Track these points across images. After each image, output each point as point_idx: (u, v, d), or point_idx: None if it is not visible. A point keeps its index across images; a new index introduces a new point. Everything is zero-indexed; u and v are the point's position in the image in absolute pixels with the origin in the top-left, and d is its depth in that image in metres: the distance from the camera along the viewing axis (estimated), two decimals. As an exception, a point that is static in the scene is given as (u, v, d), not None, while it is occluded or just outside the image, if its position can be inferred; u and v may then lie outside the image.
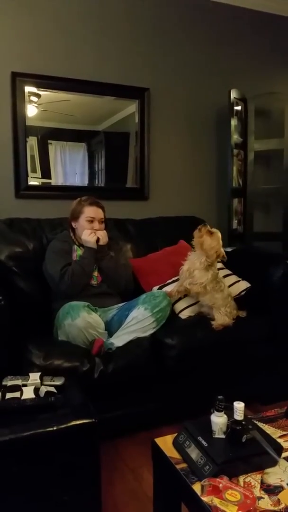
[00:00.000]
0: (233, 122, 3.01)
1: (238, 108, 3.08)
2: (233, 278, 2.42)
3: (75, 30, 2.70)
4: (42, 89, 2.65)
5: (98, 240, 2.20)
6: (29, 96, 2.62)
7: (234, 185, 3.08)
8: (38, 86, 2.63)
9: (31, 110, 2.65)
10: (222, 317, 2.12)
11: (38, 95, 2.66)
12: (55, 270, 2.11)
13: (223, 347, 2.09)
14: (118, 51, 2.84)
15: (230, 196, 3.07)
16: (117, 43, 2.83)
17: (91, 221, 2.23)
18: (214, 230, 2.17)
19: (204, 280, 2.12)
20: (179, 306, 2.25)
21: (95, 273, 2.22)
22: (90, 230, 2.20)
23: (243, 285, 2.38)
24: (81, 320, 1.87)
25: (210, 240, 2.12)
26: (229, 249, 2.68)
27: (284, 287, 2.24)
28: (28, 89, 2.60)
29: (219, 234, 2.16)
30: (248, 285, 2.37)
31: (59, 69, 2.66)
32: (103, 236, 2.23)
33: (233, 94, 2.98)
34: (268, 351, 2.21)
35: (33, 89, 2.63)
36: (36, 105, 2.67)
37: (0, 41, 2.53)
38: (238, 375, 2.16)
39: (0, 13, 2.52)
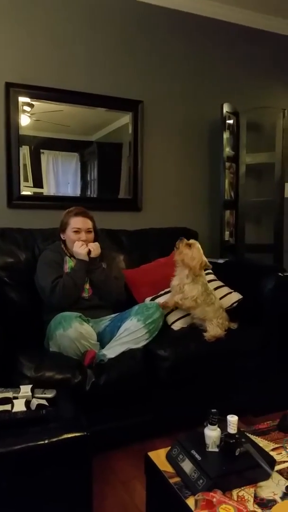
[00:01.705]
0: (225, 135, 3.05)
1: (230, 121, 3.12)
2: (225, 289, 2.43)
3: (69, 41, 2.73)
4: (35, 99, 2.66)
5: (89, 252, 2.19)
6: (22, 106, 2.63)
7: (226, 197, 3.11)
8: (32, 96, 2.64)
9: (24, 120, 2.66)
10: (214, 328, 2.13)
11: (31, 105, 2.67)
12: (46, 282, 2.09)
13: (216, 359, 2.09)
14: (112, 63, 2.87)
15: (222, 208, 3.09)
16: (111, 55, 2.87)
17: (77, 232, 2.22)
18: (191, 241, 2.19)
19: (195, 293, 2.13)
20: (171, 317, 2.25)
21: (86, 286, 2.21)
22: (80, 242, 2.18)
23: (235, 296, 2.39)
24: (73, 331, 1.86)
25: (190, 253, 2.14)
26: (221, 261, 2.70)
27: (275, 299, 2.26)
28: (21, 99, 2.61)
29: (198, 244, 2.19)
30: (240, 296, 2.38)
31: (52, 80, 2.68)
32: (94, 248, 2.20)
33: (226, 108, 3.02)
34: (260, 363, 2.21)
35: (27, 99, 2.64)
36: (29, 115, 2.68)
37: (-5, 52, 2.55)
38: (230, 386, 2.16)
39: (-4, 24, 2.54)
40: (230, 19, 3.22)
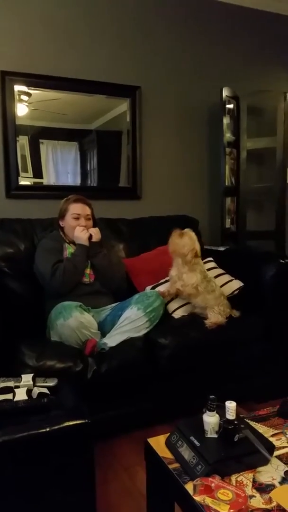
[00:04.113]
0: (225, 120, 3.01)
1: (230, 106, 3.08)
2: (226, 277, 2.42)
3: (64, 28, 2.69)
4: (32, 88, 2.64)
5: (90, 237, 2.20)
6: (19, 95, 2.60)
7: (226, 184, 3.09)
8: (28, 85, 2.62)
9: (22, 109, 2.63)
10: (215, 315, 2.13)
11: (28, 94, 2.64)
12: (46, 267, 2.10)
13: (217, 346, 2.10)
14: (109, 49, 2.83)
15: (223, 195, 3.07)
16: (108, 41, 2.82)
17: (77, 218, 2.24)
18: (185, 230, 2.17)
19: (195, 281, 2.12)
20: (172, 305, 2.25)
21: (88, 271, 2.22)
22: (81, 227, 2.20)
23: (236, 284, 2.38)
24: (74, 320, 1.87)
25: (181, 242, 2.13)
26: (222, 248, 2.69)
27: (277, 285, 2.25)
28: (18, 88, 2.59)
29: (191, 233, 2.17)
30: (241, 284, 2.37)
31: (49, 67, 2.65)
32: (95, 232, 2.23)
33: (225, 92, 2.98)
34: (261, 350, 2.21)
35: (24, 88, 2.61)
36: (26, 104, 2.65)
37: (-10, 40, 2.52)
38: (231, 374, 2.17)
39: (-10, 12, 2.50)
40: (228, 0, 3.15)
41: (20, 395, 1.41)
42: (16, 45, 2.57)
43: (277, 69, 3.42)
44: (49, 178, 2.77)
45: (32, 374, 1.53)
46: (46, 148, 2.75)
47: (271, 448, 1.17)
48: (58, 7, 2.66)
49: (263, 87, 3.25)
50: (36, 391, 1.44)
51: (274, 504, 1.00)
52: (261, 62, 3.35)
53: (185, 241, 2.13)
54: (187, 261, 2.13)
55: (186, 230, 2.19)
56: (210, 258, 2.47)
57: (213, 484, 1.00)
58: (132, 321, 1.98)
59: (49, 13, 2.64)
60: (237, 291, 2.36)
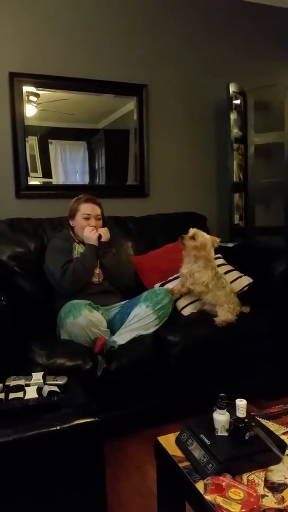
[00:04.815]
0: (233, 116, 2.99)
1: (237, 102, 3.06)
2: (235, 273, 2.40)
3: (72, 28, 2.69)
4: (40, 88, 2.64)
5: (100, 237, 2.20)
6: (27, 96, 2.61)
7: (234, 180, 3.06)
8: (37, 85, 2.62)
9: (30, 110, 2.64)
10: (225, 313, 2.11)
11: (37, 95, 2.65)
12: (56, 267, 2.11)
13: (226, 344, 2.08)
14: (115, 48, 2.82)
15: (231, 191, 3.05)
16: (115, 40, 2.82)
17: (87, 218, 2.25)
18: (191, 231, 2.13)
19: (206, 279, 2.11)
20: (181, 303, 2.24)
21: (97, 271, 2.22)
22: (91, 227, 2.21)
23: (246, 280, 2.36)
24: (83, 319, 1.87)
25: (197, 243, 2.10)
26: (230, 245, 2.68)
27: (287, 281, 2.22)
28: (26, 89, 2.59)
29: (198, 231, 2.14)
30: (251, 280, 2.36)
31: (57, 68, 2.65)
32: (105, 232, 2.24)
33: (232, 88, 2.95)
34: (272, 346, 2.20)
35: (32, 89, 2.62)
36: (35, 104, 2.66)
37: (-3, 41, 2.52)
38: (241, 371, 2.16)
39: (-4, 12, 2.51)
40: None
41: (31, 393, 1.42)
42: (24, 46, 2.58)
43: (283, 63, 3.37)
44: (58, 178, 2.78)
45: (42, 373, 1.54)
46: (55, 148, 2.76)
47: (283, 446, 1.16)
48: (65, 8, 2.66)
49: (269, 82, 3.20)
50: (46, 389, 1.45)
51: (286, 503, 0.99)
52: (267, 56, 3.31)
53: (202, 240, 2.10)
54: (209, 258, 2.12)
55: (193, 230, 2.15)
56: (219, 255, 2.46)
57: (224, 483, 0.99)
58: (141, 319, 1.97)
59: (56, 14, 2.64)
60: (246, 287, 2.34)
